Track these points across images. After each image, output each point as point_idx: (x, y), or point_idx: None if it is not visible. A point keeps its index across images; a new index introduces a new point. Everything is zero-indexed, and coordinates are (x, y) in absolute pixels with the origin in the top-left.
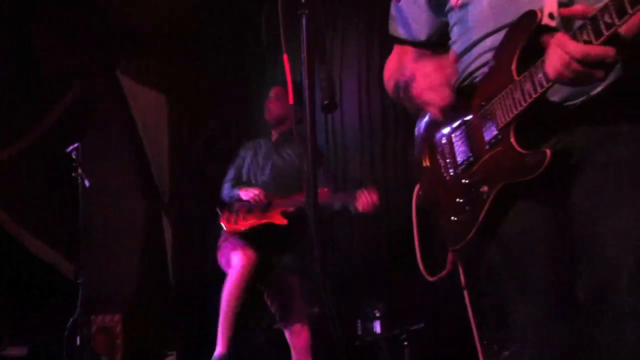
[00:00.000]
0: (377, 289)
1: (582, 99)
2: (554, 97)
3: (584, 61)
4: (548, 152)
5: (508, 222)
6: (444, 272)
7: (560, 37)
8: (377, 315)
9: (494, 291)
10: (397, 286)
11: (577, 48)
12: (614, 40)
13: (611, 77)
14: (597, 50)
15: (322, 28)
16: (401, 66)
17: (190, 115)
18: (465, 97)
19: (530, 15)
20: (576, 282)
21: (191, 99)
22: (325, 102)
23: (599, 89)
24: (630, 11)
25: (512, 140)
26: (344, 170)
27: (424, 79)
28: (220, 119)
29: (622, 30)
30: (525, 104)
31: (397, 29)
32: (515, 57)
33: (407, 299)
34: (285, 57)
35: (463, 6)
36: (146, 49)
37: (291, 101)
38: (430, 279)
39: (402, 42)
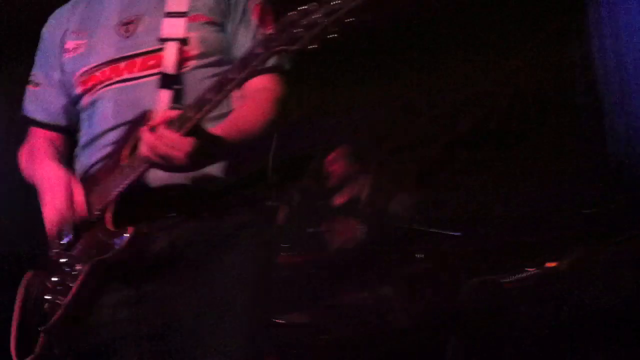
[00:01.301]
0: None
1: (179, 185)
2: (156, 182)
3: (159, 146)
4: (130, 230)
5: (96, 307)
6: (32, 357)
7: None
8: None
9: None
10: None
11: (157, 132)
12: (197, 133)
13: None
14: (171, 138)
15: None
16: (34, 156)
17: None
18: (85, 183)
19: (145, 114)
20: None
21: None
22: None
23: (184, 180)
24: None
25: (106, 218)
26: None
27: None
28: None
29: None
30: (124, 185)
31: (33, 112)
32: (126, 146)
33: None
34: None
35: (91, 104)
36: None
37: None
38: None
39: (38, 124)
